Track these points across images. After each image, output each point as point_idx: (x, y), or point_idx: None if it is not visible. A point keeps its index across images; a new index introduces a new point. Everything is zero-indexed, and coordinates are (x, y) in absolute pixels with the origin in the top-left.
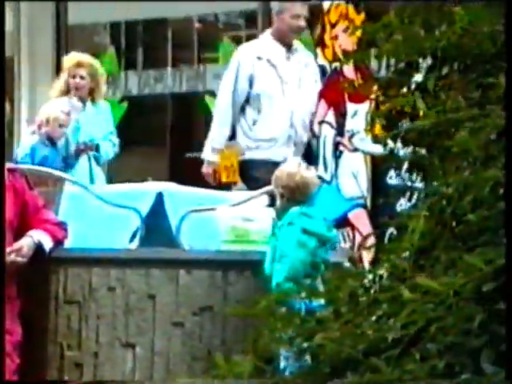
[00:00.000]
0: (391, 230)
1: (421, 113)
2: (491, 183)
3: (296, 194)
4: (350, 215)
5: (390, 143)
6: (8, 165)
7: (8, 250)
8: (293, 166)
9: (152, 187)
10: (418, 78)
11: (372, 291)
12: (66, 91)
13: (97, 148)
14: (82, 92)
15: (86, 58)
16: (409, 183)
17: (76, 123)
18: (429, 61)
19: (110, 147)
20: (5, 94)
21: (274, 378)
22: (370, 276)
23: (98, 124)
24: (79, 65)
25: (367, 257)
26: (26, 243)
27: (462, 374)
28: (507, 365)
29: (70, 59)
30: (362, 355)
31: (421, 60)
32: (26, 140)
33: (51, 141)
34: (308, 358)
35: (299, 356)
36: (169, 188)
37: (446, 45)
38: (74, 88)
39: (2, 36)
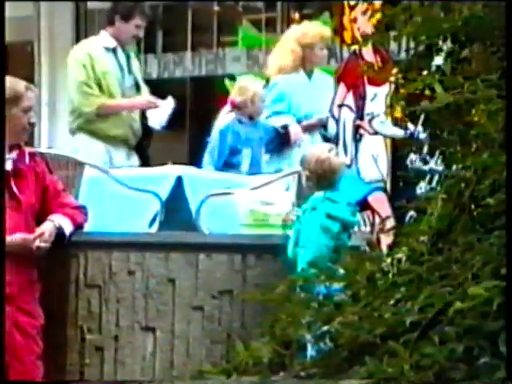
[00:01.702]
0: (411, 213)
1: (439, 95)
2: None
3: (322, 180)
4: (370, 199)
5: (410, 126)
6: (28, 149)
7: (31, 236)
8: (323, 152)
9: (172, 171)
10: (439, 61)
11: (390, 275)
12: (299, 64)
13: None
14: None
15: (326, 31)
16: (428, 166)
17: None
18: (449, 44)
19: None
20: (5, 93)
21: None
22: (389, 260)
23: (318, 98)
24: (323, 38)
25: (386, 240)
26: (47, 228)
27: (481, 357)
28: (507, 365)
29: (311, 31)
30: (380, 339)
31: (440, 43)
32: (221, 120)
33: (251, 118)
34: (327, 342)
35: (318, 340)
36: (188, 172)
37: (464, 26)
38: (310, 61)
39: (2, 36)
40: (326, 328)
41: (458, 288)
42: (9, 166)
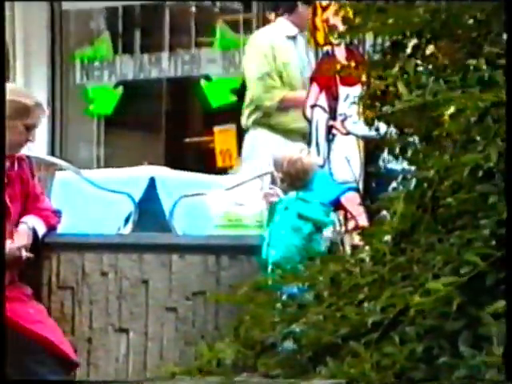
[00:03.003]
0: (384, 213)
1: (403, 95)
2: (470, 167)
3: (296, 181)
4: (343, 199)
5: (380, 126)
6: (17, 155)
7: (16, 245)
8: (295, 153)
9: (144, 172)
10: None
11: (354, 275)
12: None
13: None
14: None
15: None
16: (400, 166)
17: None
18: (415, 40)
19: None
20: (5, 92)
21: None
22: (352, 260)
23: None
24: None
25: (350, 241)
26: (25, 234)
27: (441, 357)
28: (507, 365)
29: None
30: (343, 340)
31: (406, 39)
32: None
33: None
34: (290, 343)
35: (281, 341)
36: (161, 173)
37: (430, 22)
38: None
39: (2, 36)
40: (289, 329)
41: (419, 288)
42: None
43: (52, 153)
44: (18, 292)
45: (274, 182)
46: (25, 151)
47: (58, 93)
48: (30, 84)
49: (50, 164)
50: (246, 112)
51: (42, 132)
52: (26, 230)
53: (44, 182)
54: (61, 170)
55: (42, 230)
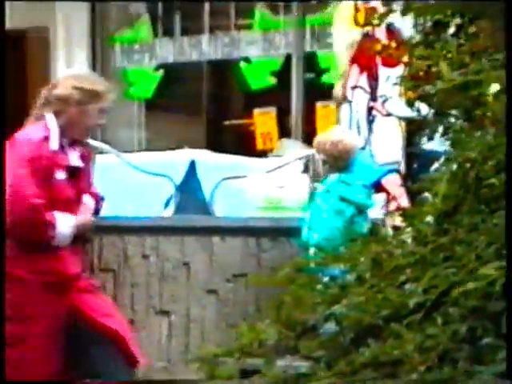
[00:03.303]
0: (426, 194)
1: (446, 74)
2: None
3: (338, 162)
4: (384, 180)
5: (421, 106)
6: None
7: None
8: (337, 134)
9: (185, 155)
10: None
11: (395, 256)
12: None
13: None
14: None
15: None
16: (441, 148)
17: None
18: (457, 19)
19: None
20: (5, 92)
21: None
22: (394, 241)
23: None
24: None
25: (391, 222)
26: (88, 207)
27: (484, 338)
28: (507, 365)
29: None
30: (385, 321)
31: (449, 19)
32: None
33: None
34: (332, 325)
35: (323, 323)
36: (201, 156)
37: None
38: None
39: (2, 36)
40: (331, 310)
41: (461, 269)
42: (77, 162)
43: (93, 136)
44: (87, 283)
45: (306, 169)
46: None
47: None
48: (70, 66)
49: (91, 147)
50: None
51: None
52: (90, 206)
53: None
54: (102, 153)
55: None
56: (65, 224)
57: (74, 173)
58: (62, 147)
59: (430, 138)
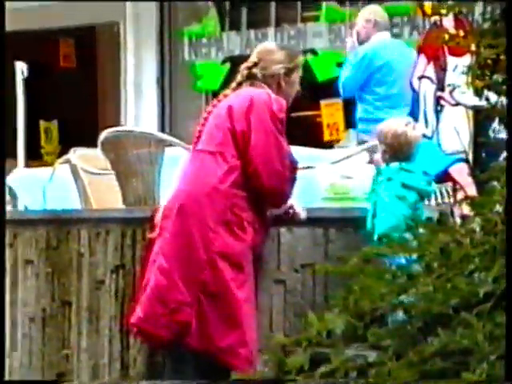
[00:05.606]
0: (494, 183)
1: None
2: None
3: (399, 153)
4: (451, 170)
5: (490, 95)
6: None
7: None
8: (400, 125)
9: None
10: None
11: (464, 246)
12: None
13: None
14: None
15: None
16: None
17: None
18: None
19: None
20: (5, 92)
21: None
22: (462, 230)
23: None
24: None
25: (459, 211)
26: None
27: None
28: (507, 365)
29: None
30: (454, 310)
31: None
32: None
33: None
34: (400, 314)
35: (391, 312)
36: None
37: None
38: None
39: (2, 36)
40: (399, 299)
41: None
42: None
43: (162, 129)
44: None
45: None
46: (134, 127)
47: (167, 70)
48: (140, 61)
49: (159, 140)
50: None
51: (151, 108)
52: None
53: (154, 157)
54: (170, 146)
55: None
56: None
57: None
58: None
59: (501, 126)
